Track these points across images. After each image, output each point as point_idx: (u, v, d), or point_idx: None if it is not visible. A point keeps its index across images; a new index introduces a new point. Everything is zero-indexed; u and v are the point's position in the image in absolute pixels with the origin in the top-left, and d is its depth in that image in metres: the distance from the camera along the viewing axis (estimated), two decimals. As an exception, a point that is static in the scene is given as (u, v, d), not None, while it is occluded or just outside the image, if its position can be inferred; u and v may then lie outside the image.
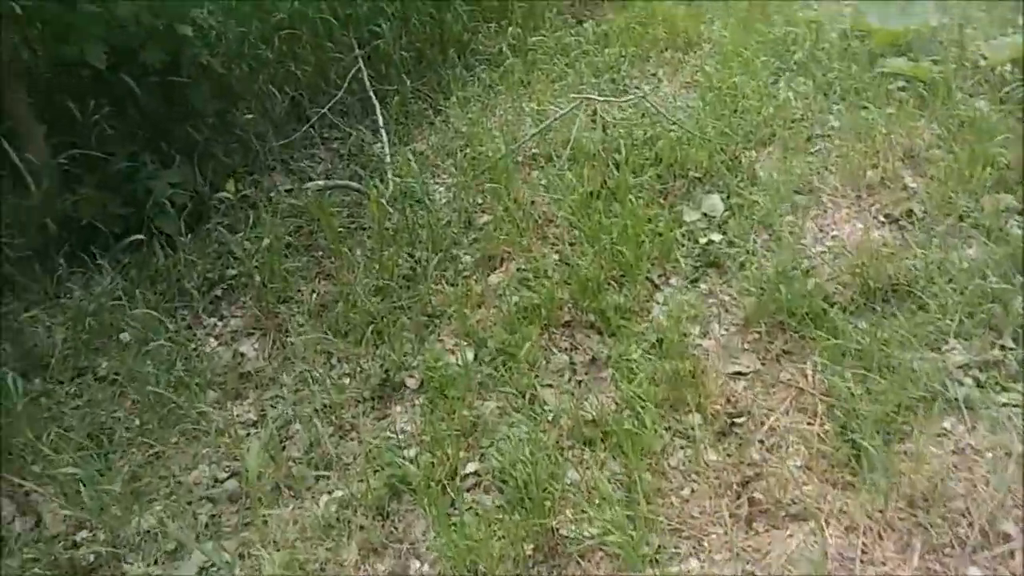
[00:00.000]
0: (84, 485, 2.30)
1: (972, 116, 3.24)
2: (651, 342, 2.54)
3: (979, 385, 2.25)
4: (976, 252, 2.68)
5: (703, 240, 2.92)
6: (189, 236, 3.30)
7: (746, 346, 2.52)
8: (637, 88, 4.04)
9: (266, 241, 3.01)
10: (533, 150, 3.63)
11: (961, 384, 2.25)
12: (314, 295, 2.99)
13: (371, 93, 4.05)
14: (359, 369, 2.64)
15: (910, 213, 2.88)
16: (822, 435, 2.22)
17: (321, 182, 3.41)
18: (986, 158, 2.98)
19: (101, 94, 3.30)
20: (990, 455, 2.09)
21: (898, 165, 3.11)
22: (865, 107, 3.48)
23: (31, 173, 3.11)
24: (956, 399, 2.22)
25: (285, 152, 3.81)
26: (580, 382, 2.48)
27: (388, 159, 3.67)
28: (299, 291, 3.03)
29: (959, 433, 2.17)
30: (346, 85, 4.02)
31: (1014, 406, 2.19)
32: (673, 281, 2.82)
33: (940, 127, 3.26)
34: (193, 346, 2.88)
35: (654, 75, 4.18)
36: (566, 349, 2.62)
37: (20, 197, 3.09)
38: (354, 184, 3.45)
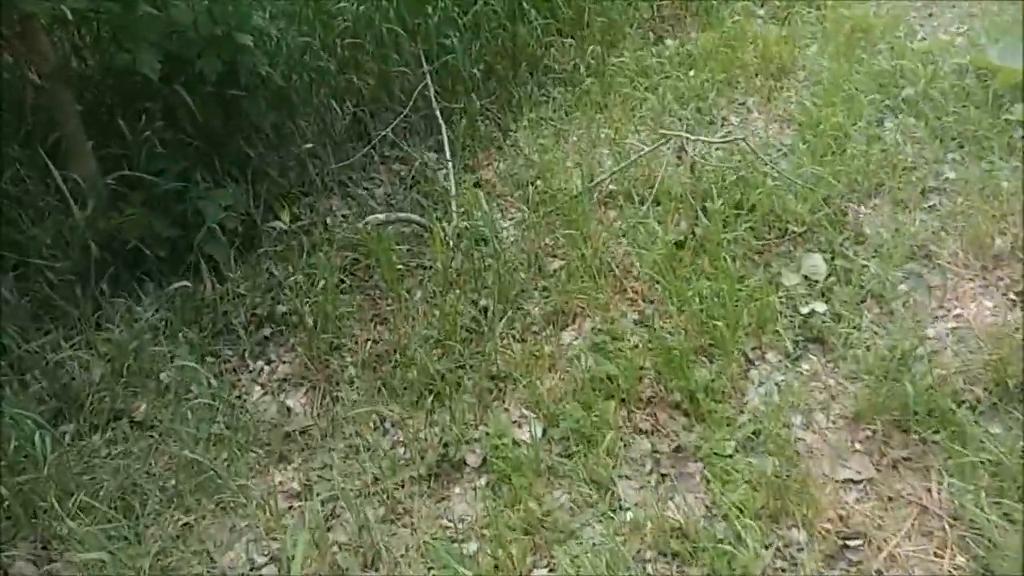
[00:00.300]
0: (109, 564, 2.09)
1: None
2: (747, 434, 2.23)
3: None
4: None
5: (804, 310, 2.60)
6: (238, 265, 3.09)
7: (857, 446, 2.20)
8: (725, 119, 3.71)
9: (321, 283, 2.76)
10: (610, 186, 3.33)
11: None
12: (368, 343, 2.74)
13: (437, 112, 3.79)
14: (415, 439, 2.38)
15: (1048, 293, 2.52)
16: (949, 570, 1.90)
17: (382, 216, 3.16)
18: None
19: (152, 106, 3.09)
20: None
21: (1029, 231, 2.75)
22: (987, 159, 3.11)
23: (77, 191, 2.92)
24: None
25: (343, 172, 3.57)
26: (664, 476, 2.19)
27: (453, 189, 3.40)
28: (352, 336, 2.78)
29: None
30: (412, 102, 3.75)
31: None
32: (770, 357, 2.50)
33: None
34: (237, 394, 2.66)
35: (743, 105, 3.84)
36: (647, 432, 2.32)
37: (63, 215, 2.90)
38: (416, 218, 3.19)
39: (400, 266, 3.05)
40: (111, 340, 2.74)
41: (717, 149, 3.36)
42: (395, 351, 2.69)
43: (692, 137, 3.23)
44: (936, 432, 2.16)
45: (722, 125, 3.68)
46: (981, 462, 2.06)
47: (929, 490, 2.07)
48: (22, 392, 2.54)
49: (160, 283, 3.04)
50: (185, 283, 2.98)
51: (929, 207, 3.00)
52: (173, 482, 2.36)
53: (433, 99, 3.80)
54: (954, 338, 2.46)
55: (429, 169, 3.56)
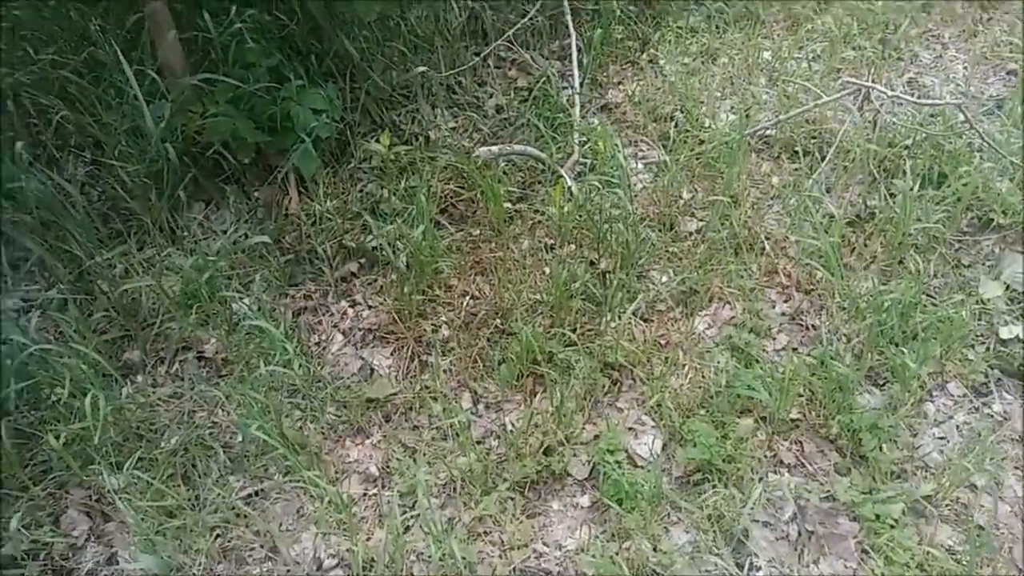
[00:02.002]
0: (164, 536, 1.87)
1: None
2: (920, 495, 1.80)
3: None
4: None
5: (1004, 333, 2.09)
6: (328, 180, 2.73)
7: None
8: (916, 56, 3.05)
9: (420, 228, 2.36)
10: (767, 132, 2.78)
11: None
12: (466, 300, 2.37)
13: (567, 11, 3.23)
14: (508, 430, 2.05)
15: None
16: None
17: (495, 148, 2.71)
18: None
19: (244, -8, 2.67)
20: None
21: None
22: None
23: (162, 85, 2.57)
24: None
25: (452, 76, 3.10)
26: (810, 533, 1.80)
27: (577, 113, 2.90)
28: (448, 288, 2.41)
29: None
30: (540, 1, 3.20)
31: None
32: (952, 389, 2.03)
33: None
34: (316, 339, 2.36)
35: (938, 39, 3.15)
36: (791, 467, 1.92)
37: (136, 114, 2.56)
38: (534, 152, 2.73)
39: (507, 204, 2.63)
40: (184, 256, 2.45)
41: (906, 94, 2.73)
42: (496, 314, 2.33)
43: (887, 93, 2.59)
44: None
45: (911, 62, 3.02)
46: None
47: None
48: (83, 318, 2.28)
49: (242, 194, 2.72)
50: (269, 191, 2.66)
51: None
52: (239, 439, 2.11)
53: (562, -2, 3.24)
54: None
55: (551, 80, 3.05)
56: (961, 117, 2.54)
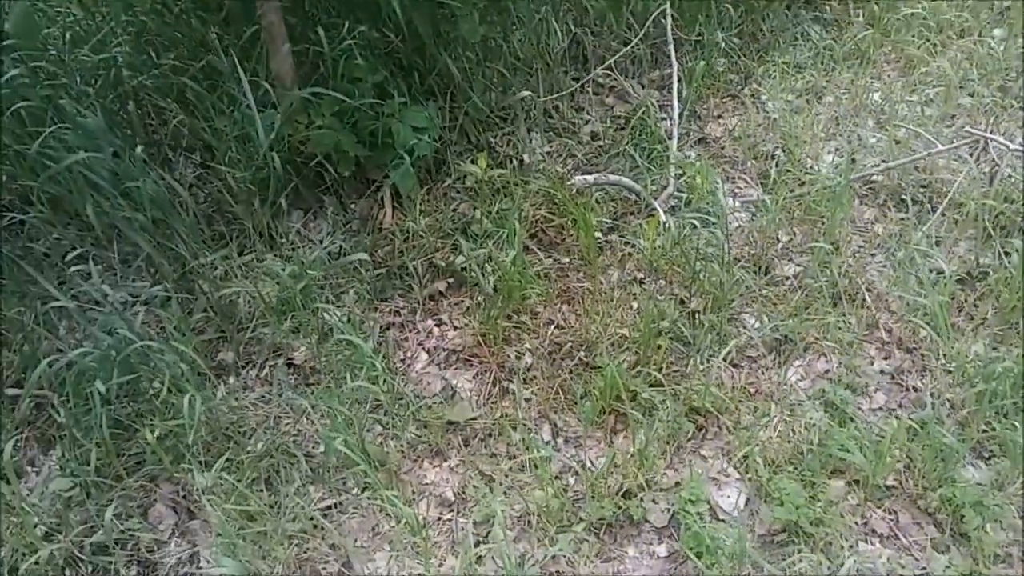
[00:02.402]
0: (244, 540, 1.91)
1: None
2: (1024, 584, 1.70)
3: None
4: None
5: None
6: (424, 198, 2.76)
7: None
8: (1037, 106, 2.90)
9: (511, 254, 2.37)
10: (874, 177, 2.69)
11: None
12: (551, 328, 2.37)
13: (671, 41, 3.19)
14: (587, 468, 2.02)
15: None
16: None
17: (590, 178, 2.69)
18: None
19: (358, 11, 2.73)
20: None
21: None
22: None
23: (273, 95, 2.65)
24: None
25: (550, 101, 3.10)
26: (900, 611, 1.72)
27: (674, 145, 2.87)
28: (534, 315, 2.41)
29: None
30: (643, 29, 3.18)
31: None
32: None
33: None
34: (401, 356, 2.38)
35: (1065, 87, 2.99)
36: (883, 537, 1.84)
37: (247, 122, 2.64)
38: (629, 183, 2.70)
39: (598, 234, 2.61)
40: (282, 263, 2.51)
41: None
42: (580, 346, 2.31)
43: (1008, 145, 2.48)
44: None
45: (1034, 114, 2.88)
46: None
47: None
48: (185, 318, 2.36)
49: (339, 205, 2.79)
50: (366, 205, 2.72)
51: None
52: (322, 450, 2.15)
53: (669, 26, 3.20)
54: None
55: (649, 111, 3.01)
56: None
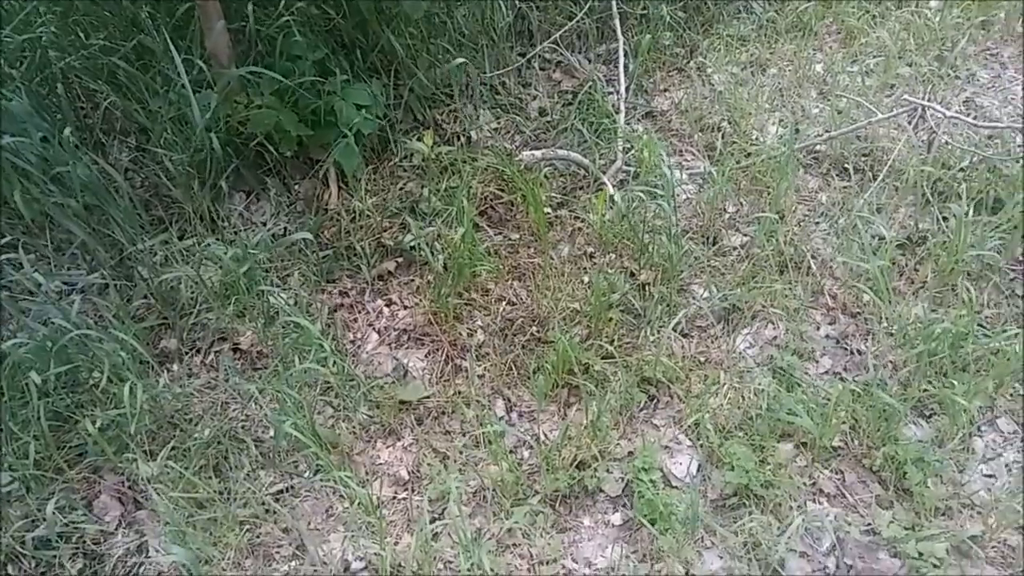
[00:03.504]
0: (194, 528, 1.87)
1: None
2: (966, 535, 1.75)
3: None
4: None
5: (1057, 367, 2.02)
6: (369, 177, 2.72)
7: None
8: (972, 75, 2.97)
9: (461, 231, 2.34)
10: (817, 147, 2.72)
11: None
12: (502, 304, 2.35)
13: (616, 15, 3.18)
14: (541, 441, 2.02)
15: None
16: None
17: (538, 153, 2.68)
18: None
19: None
20: None
21: None
22: None
23: (209, 74, 2.57)
24: None
25: (497, 78, 3.07)
26: (848, 568, 1.76)
27: (621, 119, 2.86)
28: (485, 292, 2.39)
29: None
30: (588, 4, 3.16)
31: None
32: (1003, 425, 1.97)
33: None
34: (351, 338, 2.35)
35: (996, 57, 3.06)
36: (831, 497, 1.88)
37: (182, 103, 2.56)
38: (578, 158, 2.70)
39: (548, 210, 2.60)
40: (224, 247, 2.45)
41: (964, 115, 2.66)
42: (532, 321, 2.30)
43: (944, 113, 2.53)
44: None
45: (968, 82, 2.94)
46: None
47: None
48: (124, 305, 2.29)
49: (282, 186, 2.72)
50: (309, 186, 2.66)
51: None
52: (271, 434, 2.11)
53: (614, 0, 3.18)
54: None
55: (595, 87, 3.01)
56: (1019, 140, 2.47)
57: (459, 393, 2.16)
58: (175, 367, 2.28)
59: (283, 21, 2.57)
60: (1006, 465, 1.89)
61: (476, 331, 2.30)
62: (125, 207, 2.44)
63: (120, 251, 2.41)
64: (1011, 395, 1.99)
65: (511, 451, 2.02)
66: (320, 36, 2.70)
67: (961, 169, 2.45)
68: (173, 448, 2.03)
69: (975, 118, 2.70)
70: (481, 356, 2.25)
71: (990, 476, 1.87)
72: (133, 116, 2.64)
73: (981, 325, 2.07)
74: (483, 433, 2.04)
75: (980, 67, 3.01)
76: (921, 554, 1.70)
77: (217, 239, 2.52)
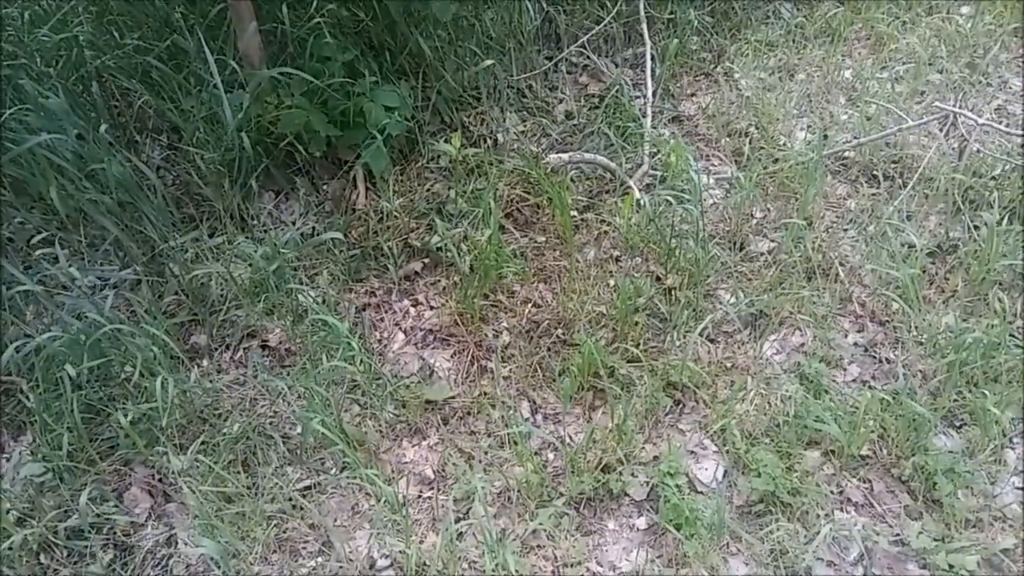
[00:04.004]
0: (222, 521, 1.89)
1: None
2: (997, 549, 1.73)
3: None
4: None
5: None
6: (397, 179, 2.74)
7: None
8: (1005, 83, 2.95)
9: (487, 233, 2.36)
10: (846, 153, 2.71)
11: None
12: (528, 306, 2.36)
13: (643, 20, 3.18)
14: (566, 443, 2.03)
15: None
16: None
17: (565, 156, 2.69)
18: None
19: (327, -14, 2.69)
20: None
21: None
22: None
23: (241, 75, 2.60)
24: None
25: (523, 80, 3.08)
26: (874, 577, 1.75)
27: (648, 123, 2.87)
28: (511, 293, 2.40)
29: None
30: (616, 8, 3.16)
31: None
32: (1035, 438, 1.95)
33: None
34: (378, 337, 2.37)
35: (1029, 64, 3.03)
36: (858, 506, 1.87)
37: (214, 102, 2.59)
38: (604, 161, 2.70)
39: (574, 213, 2.61)
40: (254, 245, 2.47)
41: (997, 133, 2.64)
42: (557, 324, 2.31)
43: (977, 120, 2.51)
44: None
45: (1000, 89, 2.92)
46: None
47: None
48: (156, 301, 2.32)
49: (311, 186, 2.75)
50: (339, 185, 2.69)
51: None
52: (299, 431, 2.13)
53: (642, 5, 3.19)
54: None
55: (623, 89, 3.01)
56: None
57: (484, 394, 2.17)
58: (205, 363, 2.31)
59: (314, 23, 2.60)
60: (1034, 480, 1.87)
61: (501, 332, 2.31)
62: (157, 204, 2.47)
63: (152, 247, 2.44)
64: (1043, 408, 1.97)
65: (536, 452, 2.03)
66: (350, 38, 2.73)
67: (993, 177, 2.43)
68: (202, 442, 2.06)
69: (1007, 125, 2.68)
70: (506, 357, 2.26)
71: (1022, 488, 1.85)
72: (166, 115, 2.68)
73: (1013, 335, 2.05)
74: (508, 434, 2.05)
75: (1012, 74, 2.99)
76: (952, 566, 1.69)
77: (247, 237, 2.55)
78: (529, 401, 2.17)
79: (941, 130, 2.62)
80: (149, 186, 2.49)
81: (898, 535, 1.79)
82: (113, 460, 2.06)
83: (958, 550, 1.71)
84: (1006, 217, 2.26)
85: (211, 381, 2.23)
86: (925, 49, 3.03)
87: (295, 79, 2.59)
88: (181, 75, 2.66)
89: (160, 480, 2.06)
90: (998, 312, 2.07)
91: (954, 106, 2.64)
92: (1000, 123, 2.68)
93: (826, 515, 1.84)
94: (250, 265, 2.42)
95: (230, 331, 2.38)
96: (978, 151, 2.54)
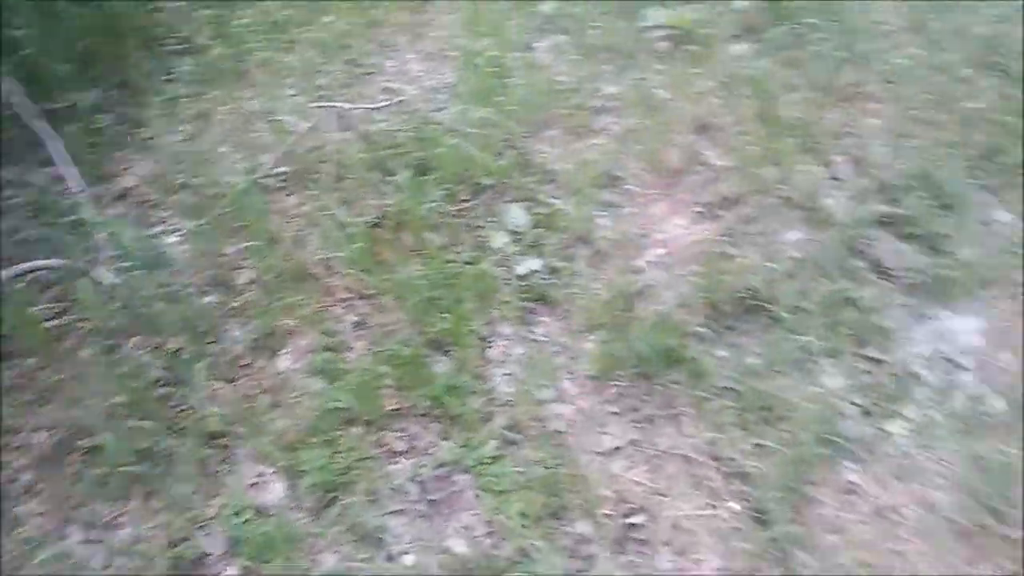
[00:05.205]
0: None
1: (749, 73, 3.09)
2: (503, 428, 2.12)
3: (866, 413, 2.13)
4: (802, 237, 2.55)
5: (521, 269, 2.51)
6: None
7: (610, 408, 2.19)
8: (378, 66, 3.43)
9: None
10: (282, 168, 2.94)
11: (845, 416, 2.11)
12: (42, 432, 2.18)
13: (33, 118, 3.03)
14: (136, 541, 1.95)
15: (724, 199, 2.69)
16: (728, 520, 1.95)
17: (16, 269, 2.49)
18: (775, 119, 2.87)
19: None
20: (910, 513, 1.94)
21: (693, 139, 2.90)
22: (636, 69, 3.21)
23: None
24: (847, 440, 2.04)
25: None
26: (434, 502, 2.01)
27: (89, 211, 2.77)
28: (15, 431, 2.18)
29: (869, 488, 1.98)
30: (-3, 113, 2.95)
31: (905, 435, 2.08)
32: (504, 330, 2.39)
33: (721, 89, 3.08)
34: None
35: (392, 46, 3.56)
36: (403, 453, 2.12)
37: None
38: (53, 262, 2.56)
39: (48, 325, 2.44)
40: None
41: (382, 108, 3.08)
42: (79, 434, 2.17)
43: (344, 106, 2.93)
44: (675, 374, 2.20)
45: (380, 72, 3.41)
46: (720, 391, 2.15)
47: (684, 434, 2.12)
48: None
49: None
50: None
51: (601, 129, 3.02)
52: None
53: (24, 104, 3.02)
54: (662, 268, 2.51)
55: (51, 190, 2.86)
56: (430, 107, 2.97)
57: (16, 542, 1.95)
58: None
59: None
60: (517, 360, 2.29)
61: (20, 473, 2.10)
62: None
63: None
64: (501, 304, 2.42)
65: (109, 559, 1.90)
66: None
67: (392, 146, 2.84)
68: None
69: (390, 101, 3.14)
70: (38, 498, 2.05)
71: (508, 374, 2.25)
72: None
73: (452, 261, 2.47)
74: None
75: (383, 58, 3.45)
76: (481, 461, 2.04)
77: None
78: (79, 525, 2.01)
79: (338, 125, 2.99)
80: None
81: (440, 459, 2.08)
82: None
83: (478, 445, 2.06)
84: (414, 173, 2.69)
85: None
86: (306, 60, 3.38)
87: None
88: None
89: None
90: (437, 249, 2.47)
91: (340, 101, 3.04)
92: (388, 100, 3.13)
93: (384, 475, 2.05)
94: None
95: None
96: (383, 129, 2.95)
